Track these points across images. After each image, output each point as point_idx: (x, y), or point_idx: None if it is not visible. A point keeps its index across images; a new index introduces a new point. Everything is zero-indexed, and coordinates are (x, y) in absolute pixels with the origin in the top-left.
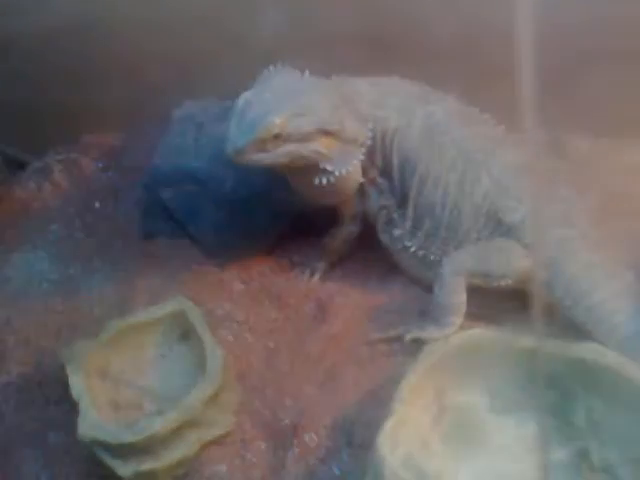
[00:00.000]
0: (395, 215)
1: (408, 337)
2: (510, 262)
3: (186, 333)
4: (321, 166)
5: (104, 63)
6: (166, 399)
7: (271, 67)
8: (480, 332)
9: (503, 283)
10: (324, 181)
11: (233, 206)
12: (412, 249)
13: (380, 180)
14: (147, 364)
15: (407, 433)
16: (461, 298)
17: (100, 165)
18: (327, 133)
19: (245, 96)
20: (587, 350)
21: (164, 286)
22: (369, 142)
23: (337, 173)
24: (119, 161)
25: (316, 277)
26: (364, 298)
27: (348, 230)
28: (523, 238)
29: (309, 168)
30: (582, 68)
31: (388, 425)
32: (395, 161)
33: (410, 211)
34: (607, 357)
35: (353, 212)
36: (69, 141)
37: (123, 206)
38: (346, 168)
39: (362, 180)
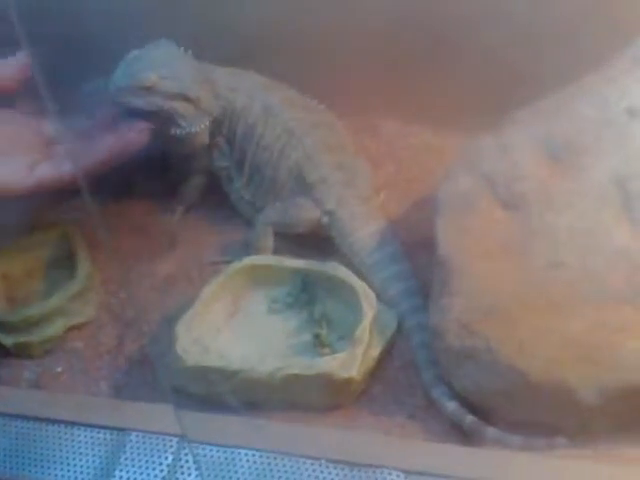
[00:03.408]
0: (234, 172)
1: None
2: (301, 214)
3: (71, 251)
4: (176, 120)
5: None
6: (47, 296)
7: (161, 40)
8: (265, 257)
9: (298, 230)
10: (177, 132)
11: None
12: (246, 197)
13: (224, 145)
14: (40, 272)
15: (203, 323)
16: (267, 241)
17: None
18: (186, 98)
19: (134, 53)
20: (330, 267)
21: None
22: (217, 115)
23: (187, 129)
24: None
25: (176, 217)
26: (208, 234)
27: (198, 179)
28: (315, 194)
29: (169, 120)
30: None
31: (187, 315)
32: (239, 132)
33: (246, 169)
34: (340, 271)
35: (203, 166)
36: None
37: None
38: (194, 128)
39: (207, 142)
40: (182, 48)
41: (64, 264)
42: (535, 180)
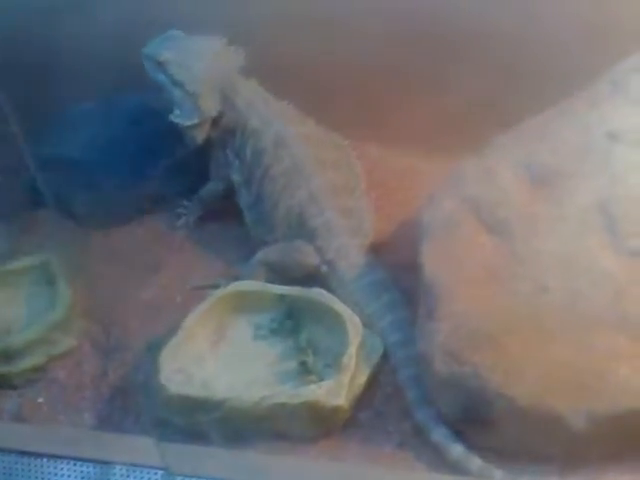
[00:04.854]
0: (243, 190)
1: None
2: (301, 261)
3: (52, 279)
4: (173, 106)
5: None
6: (28, 326)
7: (217, 36)
8: (249, 283)
9: (294, 274)
10: (172, 118)
11: (99, 186)
12: (247, 219)
13: (234, 159)
14: (19, 301)
15: (186, 352)
16: (259, 279)
17: None
18: (185, 90)
19: (177, 32)
20: (315, 293)
21: (42, 244)
22: (227, 124)
23: (178, 119)
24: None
25: (184, 227)
26: (194, 256)
27: (212, 186)
28: (316, 241)
29: (170, 102)
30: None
31: (170, 344)
32: (248, 152)
33: (253, 192)
34: (325, 297)
35: (217, 173)
36: None
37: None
38: (183, 121)
39: (199, 142)
40: (236, 51)
41: (45, 292)
42: (519, 205)
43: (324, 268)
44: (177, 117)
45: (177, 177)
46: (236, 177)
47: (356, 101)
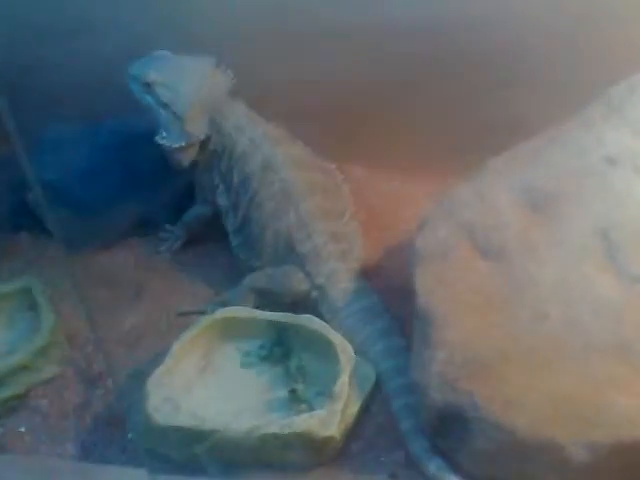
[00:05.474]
0: (230, 214)
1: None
2: (291, 286)
3: (34, 304)
4: (159, 127)
5: None
6: (10, 353)
7: (206, 57)
8: (237, 309)
9: (283, 300)
10: (157, 139)
11: (80, 210)
12: (233, 244)
13: (220, 184)
14: (2, 327)
15: (173, 380)
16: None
17: None
18: (172, 112)
19: (164, 52)
20: (305, 319)
21: (24, 268)
22: (215, 148)
23: (164, 142)
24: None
25: (169, 253)
26: (179, 281)
27: (198, 210)
28: (305, 266)
29: (156, 124)
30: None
31: (157, 372)
32: (235, 176)
33: (240, 216)
34: (315, 323)
35: (203, 196)
36: None
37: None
38: (168, 144)
39: (185, 165)
40: (225, 72)
41: (27, 318)
42: (515, 230)
43: (314, 294)
44: (163, 139)
45: (162, 200)
46: (222, 201)
47: (341, 122)
